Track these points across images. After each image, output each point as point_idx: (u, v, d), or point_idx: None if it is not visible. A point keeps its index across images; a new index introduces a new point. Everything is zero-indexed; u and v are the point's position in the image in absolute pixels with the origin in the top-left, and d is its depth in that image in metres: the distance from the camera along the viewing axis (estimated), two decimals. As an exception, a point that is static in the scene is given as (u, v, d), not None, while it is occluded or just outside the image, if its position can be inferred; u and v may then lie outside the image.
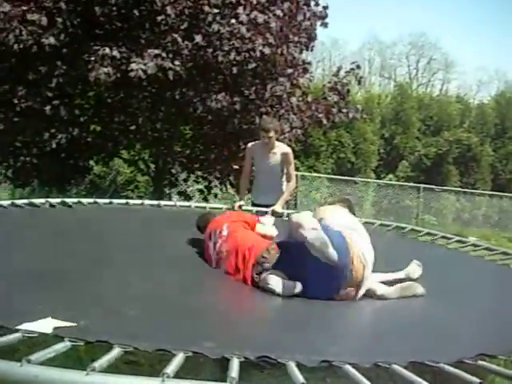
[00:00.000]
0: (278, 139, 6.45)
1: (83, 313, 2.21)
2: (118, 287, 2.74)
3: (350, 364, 1.90)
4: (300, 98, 10.21)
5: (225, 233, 3.75)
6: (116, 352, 1.82)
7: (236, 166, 9.88)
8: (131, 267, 3.14)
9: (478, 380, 1.80)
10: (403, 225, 6.16)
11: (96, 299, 2.51)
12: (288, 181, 6.48)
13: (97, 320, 2.17)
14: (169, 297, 2.67)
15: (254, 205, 6.49)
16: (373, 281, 3.40)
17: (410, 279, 3.57)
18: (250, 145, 6.54)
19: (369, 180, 18.15)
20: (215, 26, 8.72)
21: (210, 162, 10.83)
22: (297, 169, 16.13)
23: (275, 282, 3.06)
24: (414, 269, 3.67)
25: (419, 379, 1.81)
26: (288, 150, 6.37)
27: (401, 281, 3.52)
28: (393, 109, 21.30)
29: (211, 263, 3.69)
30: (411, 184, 18.28)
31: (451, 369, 1.97)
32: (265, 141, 6.13)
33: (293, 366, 1.85)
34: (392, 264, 3.70)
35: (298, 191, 15.59)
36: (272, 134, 6.09)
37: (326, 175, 17.38)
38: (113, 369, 1.77)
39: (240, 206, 6.18)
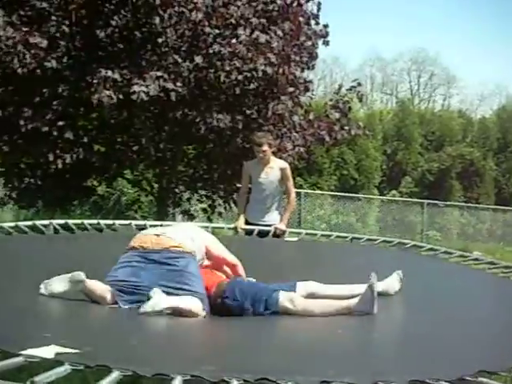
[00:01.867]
0: (274, 154, 6.48)
1: (87, 341, 2.23)
2: (120, 317, 2.78)
3: (349, 384, 1.91)
4: (302, 116, 10.26)
5: None
6: (115, 375, 1.84)
7: (240, 185, 9.92)
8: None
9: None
10: (406, 241, 6.18)
11: (100, 328, 2.54)
12: (288, 197, 6.48)
13: (100, 347, 2.19)
14: (170, 326, 2.70)
15: (247, 223, 6.30)
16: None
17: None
18: (246, 163, 6.57)
19: (372, 196, 18.13)
20: (216, 47, 8.80)
21: (213, 180, 10.86)
22: (300, 186, 16.16)
23: None
24: (393, 283, 3.56)
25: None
26: (285, 164, 6.36)
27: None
28: (395, 125, 21.34)
29: None
30: (415, 200, 18.25)
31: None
32: (260, 155, 6.12)
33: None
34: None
35: (301, 209, 15.59)
36: (266, 147, 6.07)
37: (329, 192, 17.40)
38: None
39: (242, 228, 6.19)
